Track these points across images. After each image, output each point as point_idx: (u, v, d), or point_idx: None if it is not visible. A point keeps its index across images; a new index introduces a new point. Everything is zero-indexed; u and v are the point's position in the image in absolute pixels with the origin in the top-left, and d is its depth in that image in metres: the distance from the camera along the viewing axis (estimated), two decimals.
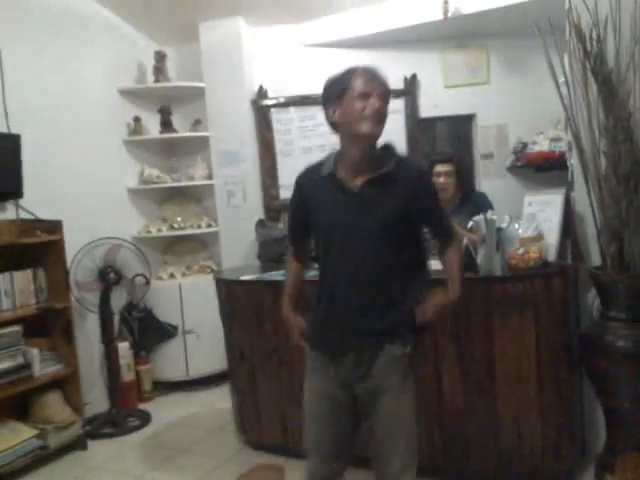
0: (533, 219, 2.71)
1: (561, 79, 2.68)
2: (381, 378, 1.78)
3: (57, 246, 3.28)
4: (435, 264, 2.85)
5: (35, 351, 3.13)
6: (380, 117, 1.71)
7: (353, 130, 1.72)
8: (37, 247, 3.24)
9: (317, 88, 4.66)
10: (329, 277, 1.84)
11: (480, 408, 2.58)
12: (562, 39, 2.63)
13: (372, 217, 1.75)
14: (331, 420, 1.85)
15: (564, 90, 2.66)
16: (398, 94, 4.34)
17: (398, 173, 1.76)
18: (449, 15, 3.85)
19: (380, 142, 1.79)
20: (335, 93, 1.75)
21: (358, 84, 1.71)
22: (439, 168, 3.13)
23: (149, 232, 4.29)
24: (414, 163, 1.92)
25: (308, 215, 1.88)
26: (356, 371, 1.79)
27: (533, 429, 2.53)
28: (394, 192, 1.75)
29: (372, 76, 1.73)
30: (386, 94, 1.73)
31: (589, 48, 2.49)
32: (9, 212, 3.31)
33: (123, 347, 3.86)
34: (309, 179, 1.89)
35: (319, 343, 1.88)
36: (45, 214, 3.34)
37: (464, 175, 3.18)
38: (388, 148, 1.82)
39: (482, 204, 2.92)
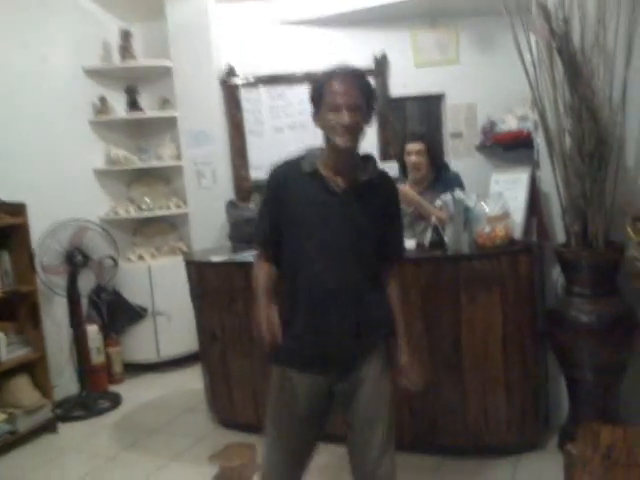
0: (500, 197, 2.75)
1: (528, 58, 2.70)
2: (361, 370, 1.77)
3: (21, 229, 3.21)
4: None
5: (1, 335, 3.08)
6: (351, 131, 1.67)
7: (329, 139, 1.71)
8: (1, 230, 3.17)
9: (287, 67, 4.64)
10: (305, 283, 1.74)
11: (447, 383, 2.64)
12: (529, 19, 2.64)
13: (354, 220, 1.73)
14: (302, 442, 1.82)
15: (531, 69, 2.68)
16: (368, 73, 4.32)
17: (379, 182, 1.78)
18: None
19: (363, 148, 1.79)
20: (314, 98, 1.73)
21: (329, 95, 1.68)
22: (410, 147, 3.14)
23: (117, 214, 4.22)
24: (386, 173, 1.89)
25: (283, 216, 1.79)
26: (336, 378, 1.78)
27: (499, 403, 2.60)
28: (374, 201, 1.76)
29: (345, 87, 1.67)
30: (358, 106, 1.67)
31: (555, 28, 2.52)
32: None
33: (92, 330, 3.83)
34: (286, 175, 1.80)
35: (295, 362, 1.78)
36: (9, 196, 3.25)
37: (436, 154, 3.20)
38: (369, 158, 1.81)
39: (453, 184, 2.95)
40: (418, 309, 2.62)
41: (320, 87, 1.70)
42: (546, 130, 2.63)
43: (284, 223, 1.77)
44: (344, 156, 1.73)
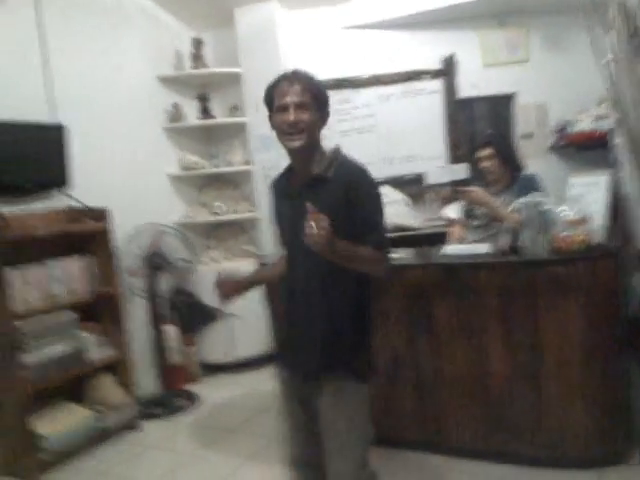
0: (578, 201, 2.68)
1: (606, 58, 2.62)
2: (320, 395, 1.76)
3: (105, 233, 3.37)
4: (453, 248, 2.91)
5: (88, 336, 3.25)
6: (298, 128, 1.67)
7: (281, 142, 1.73)
8: (86, 235, 3.35)
9: (353, 71, 4.67)
10: (283, 287, 1.85)
11: (524, 391, 2.59)
12: (605, 17, 2.57)
13: (303, 219, 1.58)
14: (298, 440, 1.89)
15: (609, 69, 2.60)
16: (435, 74, 4.30)
17: (334, 176, 1.70)
18: None
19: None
20: (267, 102, 1.76)
21: (276, 96, 1.71)
22: (479, 154, 3.12)
23: (190, 218, 4.37)
24: (357, 166, 1.76)
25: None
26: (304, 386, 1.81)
27: (578, 414, 2.52)
28: (328, 195, 1.68)
29: (288, 85, 1.70)
30: (303, 103, 1.67)
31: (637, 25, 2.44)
32: (58, 201, 3.41)
33: (171, 330, 3.96)
34: (276, 184, 1.91)
35: (278, 361, 1.94)
36: (92, 202, 3.42)
37: (506, 156, 3.15)
38: (328, 152, 1.76)
39: (530, 186, 2.89)
40: (494, 314, 2.60)
41: (270, 90, 1.74)
42: (629, 130, 2.55)
43: None
44: (298, 156, 1.74)
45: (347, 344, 1.75)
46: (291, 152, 1.74)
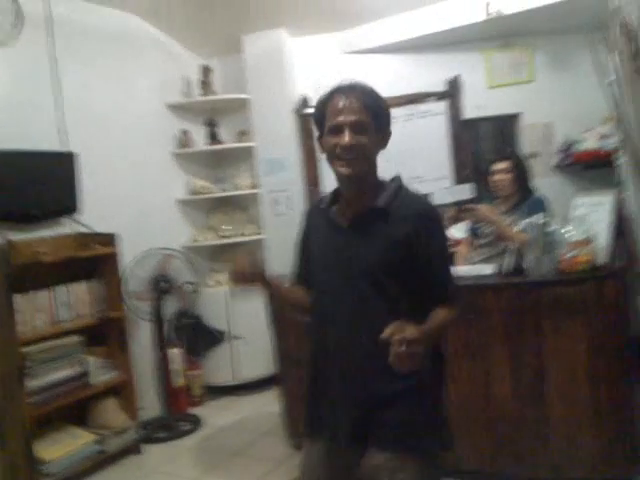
0: (583, 222, 2.66)
1: (610, 78, 2.62)
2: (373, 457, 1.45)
3: (112, 258, 3.40)
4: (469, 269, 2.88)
5: (93, 359, 3.26)
6: (354, 153, 1.42)
7: (333, 168, 1.49)
8: (94, 259, 3.37)
9: None
10: (313, 334, 1.57)
11: (530, 413, 2.55)
12: (609, 37, 2.58)
13: (358, 259, 1.45)
14: None
15: (614, 89, 2.60)
16: (441, 96, 4.32)
17: (396, 209, 1.47)
18: (491, 16, 3.81)
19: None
20: (317, 119, 1.51)
21: (330, 117, 1.45)
22: (496, 166, 3.12)
23: (197, 241, 4.40)
24: (425, 200, 1.56)
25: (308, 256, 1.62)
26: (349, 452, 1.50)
27: (585, 435, 2.48)
28: (388, 232, 1.45)
29: (344, 101, 1.43)
30: (362, 124, 1.42)
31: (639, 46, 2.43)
32: (67, 227, 3.46)
33: (175, 353, 3.96)
34: (311, 211, 1.66)
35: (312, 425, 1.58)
36: (101, 227, 3.47)
37: (521, 174, 3.14)
38: (389, 182, 1.54)
39: (538, 208, 2.87)
40: (500, 336, 2.57)
41: (321, 106, 1.48)
42: (633, 151, 2.53)
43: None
44: (352, 185, 1.49)
45: (414, 411, 1.45)
46: (343, 179, 1.49)
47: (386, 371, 1.31)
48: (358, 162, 1.44)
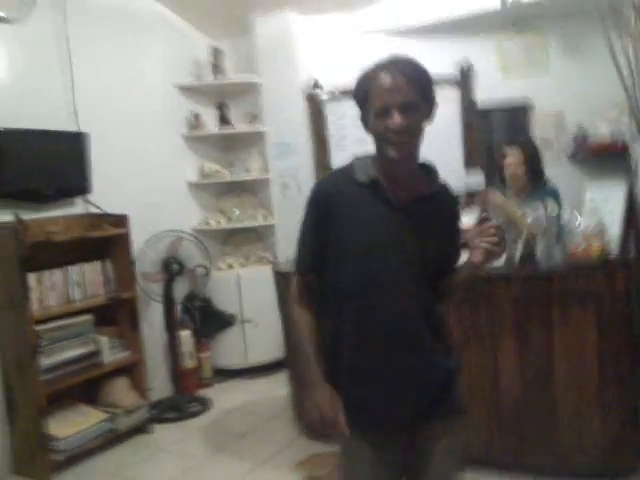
0: (595, 212, 2.65)
1: (623, 64, 2.59)
2: (426, 444, 1.48)
3: (123, 239, 3.42)
4: None
5: (104, 339, 3.30)
6: (405, 134, 1.36)
7: (380, 149, 1.42)
8: (105, 240, 3.40)
9: None
10: (352, 318, 1.42)
11: (539, 402, 2.56)
12: (623, 22, 2.54)
13: (419, 241, 1.42)
14: None
15: (627, 75, 2.57)
16: (452, 82, 4.29)
17: (441, 196, 1.49)
18: (509, 3, 3.76)
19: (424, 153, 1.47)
20: (359, 98, 1.42)
21: (374, 97, 1.37)
22: (508, 151, 3.10)
23: (208, 224, 4.42)
24: (452, 190, 1.57)
25: (332, 235, 1.45)
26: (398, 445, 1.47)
27: (593, 425, 2.49)
28: (437, 218, 1.46)
29: (394, 81, 1.35)
30: (412, 103, 1.35)
31: None
32: (79, 207, 3.48)
33: (185, 335, 4.00)
34: (337, 187, 1.47)
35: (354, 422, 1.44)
36: (112, 208, 3.48)
37: (535, 163, 3.12)
38: (429, 167, 1.51)
39: (550, 199, 2.86)
40: (509, 324, 2.58)
41: (365, 84, 1.40)
42: None
43: (333, 245, 1.44)
44: (401, 166, 1.43)
45: (454, 372, 1.53)
46: (392, 161, 1.41)
47: (441, 348, 1.46)
48: (409, 144, 1.40)
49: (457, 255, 1.56)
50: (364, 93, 1.39)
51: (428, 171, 1.50)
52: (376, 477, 1.46)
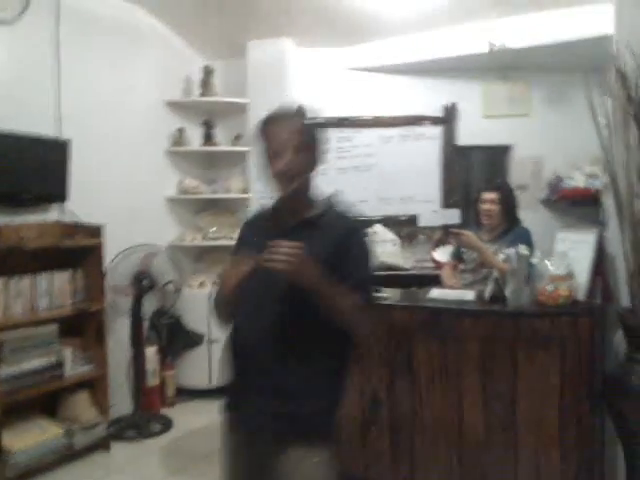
0: (565, 257, 2.71)
1: (602, 121, 2.69)
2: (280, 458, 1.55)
3: (97, 250, 3.38)
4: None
5: (68, 351, 3.24)
6: (284, 177, 1.54)
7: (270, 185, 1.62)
8: (77, 249, 3.35)
9: (356, 111, 4.75)
10: (236, 330, 1.63)
11: (499, 442, 2.58)
12: (604, 79, 2.65)
13: None
14: None
15: (604, 132, 2.67)
16: (436, 121, 4.39)
17: (326, 224, 1.59)
18: (495, 50, 3.88)
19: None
20: (258, 146, 1.62)
21: (264, 139, 1.59)
22: (485, 195, 3.19)
23: (184, 240, 4.40)
24: (352, 219, 1.66)
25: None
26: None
27: (552, 467, 2.52)
28: (314, 243, 1.50)
29: (273, 131, 1.57)
30: (288, 148, 1.53)
31: (633, 95, 2.51)
32: (54, 214, 3.44)
33: (150, 352, 3.94)
34: (247, 220, 1.78)
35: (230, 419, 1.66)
36: (88, 217, 3.45)
37: (509, 205, 3.21)
38: (330, 199, 1.67)
39: (522, 239, 2.93)
40: (475, 362, 2.61)
41: (259, 131, 1.62)
42: (617, 193, 2.59)
43: None
44: (286, 201, 1.60)
45: (322, 404, 1.57)
46: (279, 198, 1.62)
47: (302, 377, 1.53)
48: (288, 184, 1.55)
49: (350, 272, 1.54)
50: (259, 143, 1.60)
51: (316, 202, 1.64)
52: (235, 465, 1.64)
